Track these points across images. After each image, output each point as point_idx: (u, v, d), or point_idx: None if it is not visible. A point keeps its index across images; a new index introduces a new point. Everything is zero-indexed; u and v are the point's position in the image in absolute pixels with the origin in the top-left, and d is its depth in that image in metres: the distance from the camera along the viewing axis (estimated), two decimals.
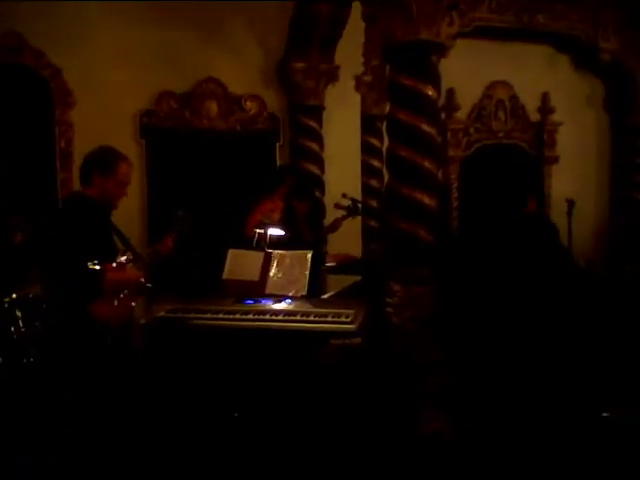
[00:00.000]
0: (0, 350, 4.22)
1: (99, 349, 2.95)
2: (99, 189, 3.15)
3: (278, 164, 6.40)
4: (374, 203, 6.55)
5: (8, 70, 5.76)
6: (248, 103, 6.34)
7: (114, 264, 3.00)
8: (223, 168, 6.29)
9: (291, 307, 3.62)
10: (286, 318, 3.47)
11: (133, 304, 3.10)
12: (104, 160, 3.21)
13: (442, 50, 3.87)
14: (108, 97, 5.95)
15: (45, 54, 5.83)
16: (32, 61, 5.80)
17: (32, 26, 5.73)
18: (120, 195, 3.23)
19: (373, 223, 6.54)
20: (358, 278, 4.98)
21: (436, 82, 3.80)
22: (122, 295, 3.02)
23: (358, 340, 4.00)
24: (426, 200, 3.70)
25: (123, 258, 3.06)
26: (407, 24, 3.63)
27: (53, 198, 5.96)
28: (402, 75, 3.72)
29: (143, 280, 3.08)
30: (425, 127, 3.70)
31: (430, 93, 3.74)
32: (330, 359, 3.63)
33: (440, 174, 6.62)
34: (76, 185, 5.90)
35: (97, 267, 2.85)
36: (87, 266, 2.86)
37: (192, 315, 3.59)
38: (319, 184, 6.12)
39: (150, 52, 6.06)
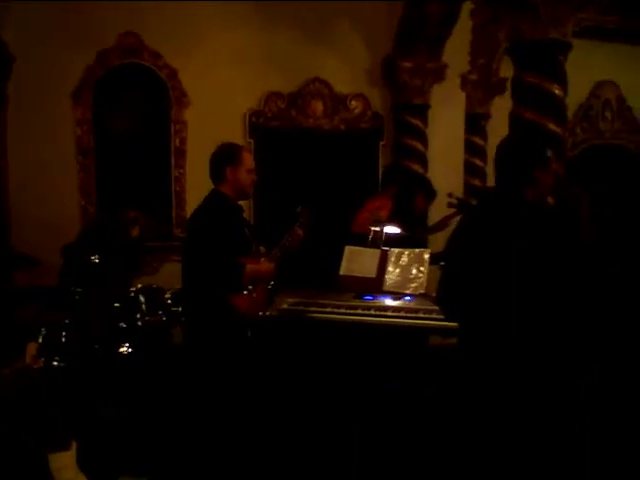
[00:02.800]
0: (127, 336, 4.49)
1: (241, 340, 3.10)
2: (232, 181, 3.28)
3: (382, 163, 6.45)
4: (475, 202, 6.49)
5: (129, 70, 6.09)
6: (353, 102, 6.42)
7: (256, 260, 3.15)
8: (327, 167, 6.40)
9: (412, 304, 3.66)
10: (408, 315, 3.51)
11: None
12: (230, 153, 3.34)
13: (568, 49, 3.82)
14: (219, 97, 6.17)
15: (162, 55, 6.12)
16: (151, 62, 6.09)
17: (150, 28, 6.04)
18: (252, 182, 3.33)
19: None
20: None
21: (563, 81, 3.75)
22: (257, 288, 3.16)
23: None
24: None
25: (260, 252, 3.20)
26: (535, 23, 3.60)
27: (167, 194, 6.26)
28: (528, 73, 3.69)
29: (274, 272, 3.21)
30: (552, 126, 3.66)
31: (557, 92, 3.70)
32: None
33: None
34: (189, 181, 6.25)
35: (241, 261, 3.01)
36: (232, 260, 3.01)
37: (313, 309, 3.69)
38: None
39: (259, 53, 6.26)
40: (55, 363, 4.15)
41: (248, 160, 3.32)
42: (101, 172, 6.10)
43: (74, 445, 3.00)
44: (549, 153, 2.41)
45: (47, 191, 5.83)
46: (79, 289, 4.41)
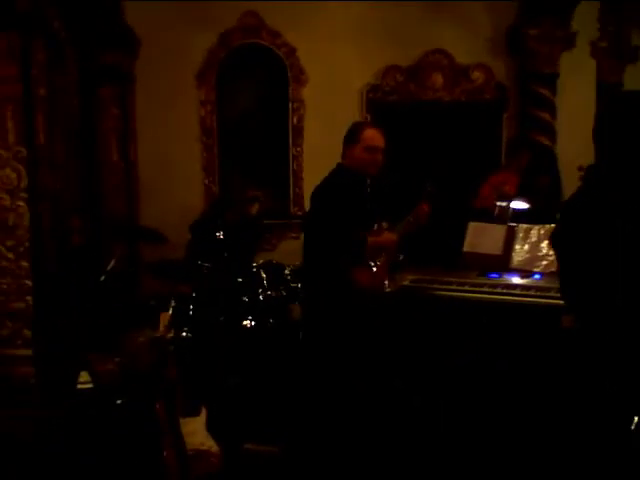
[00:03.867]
0: (249, 310, 4.61)
1: (360, 314, 3.08)
2: (351, 158, 3.25)
3: (505, 136, 6.17)
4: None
5: (247, 49, 6.17)
6: (475, 73, 6.15)
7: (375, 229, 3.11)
8: (447, 140, 6.20)
9: (542, 282, 3.48)
10: (537, 294, 3.35)
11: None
12: (351, 131, 3.32)
13: None
14: (336, 73, 6.14)
15: (281, 34, 6.16)
16: (269, 41, 6.15)
17: (269, 6, 6.07)
18: (370, 161, 3.25)
19: None
20: None
21: None
22: (379, 262, 3.12)
23: None
24: None
25: (382, 228, 3.15)
26: None
27: (285, 172, 6.34)
28: None
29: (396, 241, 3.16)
30: None
31: None
32: None
33: None
34: (306, 160, 6.29)
35: (360, 234, 2.99)
36: (353, 233, 2.99)
37: (436, 286, 3.61)
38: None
39: (377, 26, 6.13)
40: (184, 334, 4.35)
41: (368, 138, 3.26)
42: (223, 151, 6.27)
43: (204, 411, 3.12)
44: None
45: (173, 170, 6.08)
46: (205, 264, 4.57)
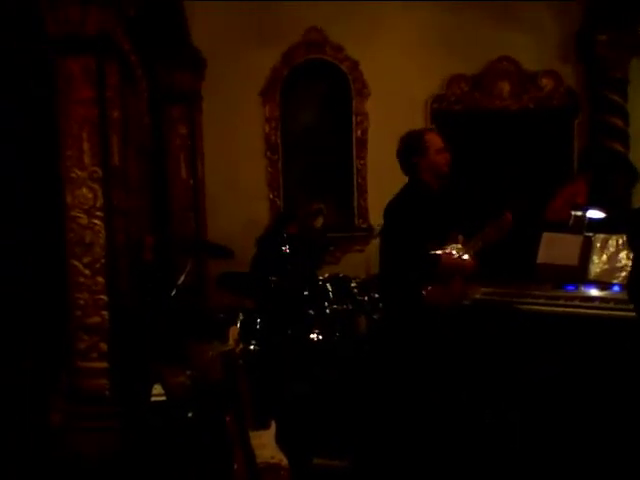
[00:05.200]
0: (316, 323, 4.60)
1: (430, 330, 3.02)
2: (426, 168, 3.21)
3: (577, 143, 5.98)
4: None
5: (312, 65, 6.25)
6: (543, 80, 6.02)
7: (452, 252, 3.05)
8: (516, 149, 6.06)
9: (622, 295, 3.31)
10: (617, 306, 3.19)
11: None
12: (413, 143, 3.26)
13: None
14: (399, 85, 6.12)
15: (344, 48, 6.19)
16: (332, 55, 6.20)
17: (332, 22, 6.13)
18: (445, 160, 3.24)
19: None
20: None
21: None
22: (453, 278, 3.06)
23: None
24: None
25: (454, 243, 3.09)
26: None
27: (349, 185, 6.34)
28: None
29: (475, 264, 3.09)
30: None
31: None
32: None
33: None
34: (370, 172, 6.27)
35: (437, 252, 2.93)
36: (427, 250, 2.95)
37: (510, 299, 3.50)
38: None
39: (439, 36, 6.09)
40: (252, 347, 4.38)
41: (434, 141, 3.25)
42: (287, 166, 6.34)
43: (273, 424, 3.13)
44: None
45: (238, 186, 6.19)
46: (273, 278, 4.61)
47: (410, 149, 3.26)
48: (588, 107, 5.97)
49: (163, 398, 3.39)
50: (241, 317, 4.47)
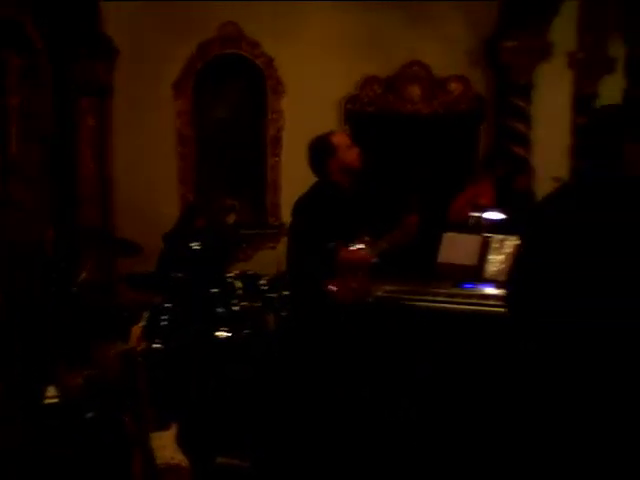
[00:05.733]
0: (224, 321, 4.56)
1: (332, 327, 3.06)
2: (339, 168, 3.24)
3: (482, 147, 6.21)
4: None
5: (227, 60, 6.18)
6: (452, 85, 6.20)
7: (354, 248, 3.09)
8: (425, 152, 6.23)
9: None
10: None
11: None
12: (323, 146, 3.28)
13: None
14: (315, 84, 6.13)
15: (260, 44, 6.17)
16: (248, 51, 6.16)
17: (248, 17, 6.08)
18: (355, 155, 3.27)
19: None
20: None
21: None
22: (356, 276, 3.10)
23: None
24: None
25: (360, 243, 3.13)
26: None
27: (262, 182, 6.32)
28: None
29: (372, 260, 3.14)
30: None
31: None
32: None
33: None
34: (284, 170, 6.27)
35: (334, 244, 2.96)
36: (325, 246, 2.97)
37: (410, 296, 3.58)
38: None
39: (355, 38, 6.17)
40: (156, 346, 4.29)
41: (341, 140, 3.29)
42: (199, 161, 6.25)
43: (174, 425, 3.07)
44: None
45: (149, 180, 6.05)
46: (179, 274, 4.52)
47: (320, 152, 3.28)
48: (494, 112, 6.20)
49: (57, 400, 3.26)
50: (146, 315, 4.36)
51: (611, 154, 2.12)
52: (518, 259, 2.34)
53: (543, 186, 5.04)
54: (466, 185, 5.00)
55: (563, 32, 6.02)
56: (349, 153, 3.25)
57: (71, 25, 5.43)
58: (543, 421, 2.23)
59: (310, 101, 6.13)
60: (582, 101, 6.20)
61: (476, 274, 3.78)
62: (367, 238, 3.25)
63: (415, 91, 6.20)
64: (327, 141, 3.28)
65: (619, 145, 2.10)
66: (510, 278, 2.36)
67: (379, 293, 3.61)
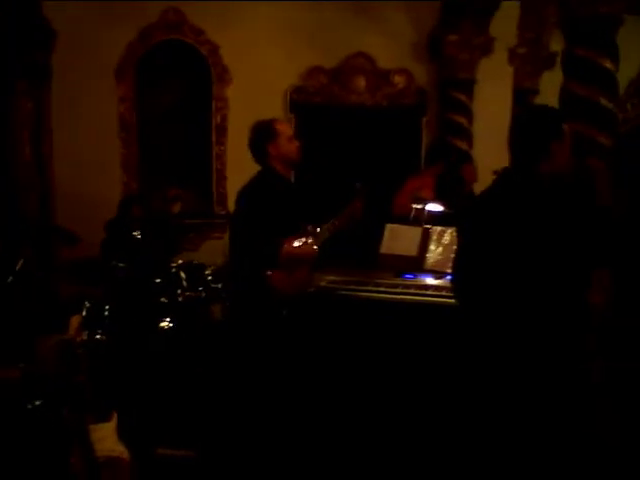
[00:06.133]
0: (167, 311, 4.52)
1: (274, 318, 3.08)
2: (277, 155, 3.25)
3: (425, 140, 6.32)
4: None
5: (169, 46, 6.07)
6: (396, 77, 6.28)
7: (295, 240, 3.12)
8: (369, 143, 6.30)
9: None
10: (449, 294, 3.42)
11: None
12: (264, 130, 3.29)
13: (619, 24, 3.66)
14: (261, 73, 6.12)
15: (204, 31, 6.08)
16: (192, 38, 6.07)
17: (192, 3, 5.98)
18: (295, 148, 3.31)
19: None
20: None
21: (614, 56, 3.59)
22: (298, 266, 3.13)
23: None
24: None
25: (304, 234, 3.17)
26: None
27: (208, 171, 6.27)
28: (580, 47, 3.54)
29: (316, 252, 3.18)
30: (603, 101, 3.50)
31: (609, 66, 3.54)
32: None
33: None
34: (230, 158, 6.23)
35: (280, 238, 2.99)
36: (268, 237, 2.99)
37: (352, 287, 3.64)
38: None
39: (301, 28, 6.16)
40: (98, 336, 4.22)
41: (284, 129, 3.32)
42: (143, 149, 6.14)
43: (114, 416, 3.04)
44: (565, 126, 2.32)
45: (90, 167, 5.89)
46: (121, 264, 4.46)
47: (261, 136, 3.29)
48: (437, 105, 6.31)
49: None
50: (87, 305, 4.28)
51: (537, 151, 2.26)
52: (458, 249, 2.52)
53: (484, 179, 5.19)
54: (408, 178, 5.09)
55: (504, 28, 6.16)
56: (289, 145, 3.28)
57: (8, 6, 5.23)
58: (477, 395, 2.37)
59: (256, 90, 6.11)
60: (522, 96, 6.39)
61: (417, 265, 3.88)
62: (310, 228, 3.28)
63: (360, 82, 6.25)
64: (270, 126, 3.29)
65: (546, 143, 2.25)
66: (453, 266, 2.53)
67: (322, 283, 3.67)
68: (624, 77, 7.08)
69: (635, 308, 3.88)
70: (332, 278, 3.70)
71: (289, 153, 3.28)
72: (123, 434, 2.98)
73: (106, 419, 3.03)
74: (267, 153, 3.26)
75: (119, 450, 2.98)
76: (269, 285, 3.05)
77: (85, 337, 4.10)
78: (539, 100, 6.64)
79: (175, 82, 6.17)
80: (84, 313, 4.24)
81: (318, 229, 3.30)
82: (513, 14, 6.28)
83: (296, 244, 3.14)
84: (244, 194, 3.25)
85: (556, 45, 6.39)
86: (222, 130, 6.20)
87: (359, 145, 6.28)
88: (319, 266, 3.58)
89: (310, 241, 3.19)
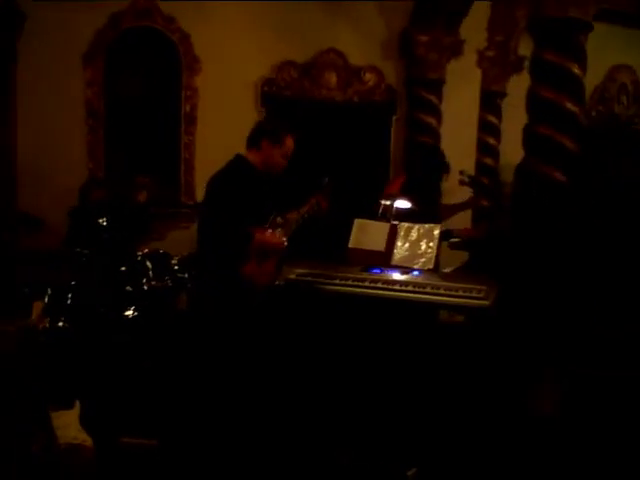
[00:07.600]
0: (132, 300, 4.49)
1: (245, 308, 3.09)
2: (265, 155, 3.26)
3: (394, 137, 6.39)
4: (486, 181, 6.45)
5: (139, 33, 5.99)
6: (367, 75, 6.34)
7: (267, 230, 3.13)
8: (339, 138, 6.33)
9: (419, 279, 3.63)
10: (415, 289, 3.48)
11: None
12: (275, 130, 3.31)
13: (588, 29, 3.75)
14: (232, 64, 6.10)
15: (175, 19, 6.02)
16: (163, 25, 6.00)
17: None
18: (281, 165, 3.33)
19: (484, 202, 6.42)
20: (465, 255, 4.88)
21: (582, 61, 3.69)
22: (268, 258, 3.14)
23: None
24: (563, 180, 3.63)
25: (274, 225, 3.18)
26: (556, 1, 3.54)
27: (176, 160, 6.22)
28: (548, 51, 3.63)
29: (286, 244, 3.20)
30: (569, 105, 3.60)
31: (576, 71, 3.64)
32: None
33: None
34: (199, 148, 6.19)
35: (251, 228, 2.99)
36: (240, 227, 2.99)
37: (321, 280, 3.67)
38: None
39: (274, 21, 6.16)
40: (61, 324, 4.16)
41: (289, 147, 3.32)
42: (110, 136, 6.04)
43: (77, 404, 3.02)
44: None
45: (55, 153, 5.79)
46: (85, 251, 4.40)
47: (270, 131, 3.29)
48: (406, 104, 6.38)
49: None
50: (49, 292, 4.22)
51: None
52: None
53: (451, 179, 5.29)
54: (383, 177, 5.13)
55: (474, 30, 6.28)
56: (280, 159, 3.30)
57: None
58: None
59: (226, 81, 6.09)
60: (490, 98, 6.52)
61: (384, 260, 3.92)
62: (280, 219, 3.30)
63: (331, 78, 6.28)
64: (282, 132, 3.30)
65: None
66: None
67: (291, 276, 3.68)
68: (590, 84, 7.34)
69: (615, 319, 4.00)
70: (301, 271, 3.71)
71: (274, 164, 3.29)
72: (86, 422, 2.96)
73: (69, 407, 3.01)
74: (260, 145, 3.26)
75: (82, 437, 2.96)
76: (240, 275, 3.05)
77: (47, 324, 4.05)
78: (506, 104, 6.78)
79: (145, 70, 6.09)
80: (46, 300, 4.19)
81: (279, 218, 3.32)
82: (483, 17, 6.41)
83: (268, 233, 3.15)
84: (216, 179, 3.24)
85: (525, 49, 6.55)
86: (191, 119, 6.15)
87: (329, 140, 6.31)
88: (288, 259, 3.61)
89: (278, 232, 3.21)
